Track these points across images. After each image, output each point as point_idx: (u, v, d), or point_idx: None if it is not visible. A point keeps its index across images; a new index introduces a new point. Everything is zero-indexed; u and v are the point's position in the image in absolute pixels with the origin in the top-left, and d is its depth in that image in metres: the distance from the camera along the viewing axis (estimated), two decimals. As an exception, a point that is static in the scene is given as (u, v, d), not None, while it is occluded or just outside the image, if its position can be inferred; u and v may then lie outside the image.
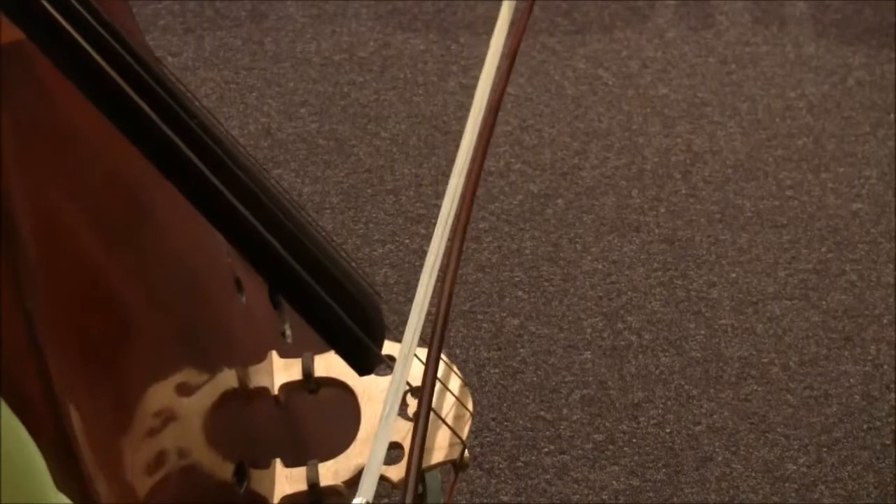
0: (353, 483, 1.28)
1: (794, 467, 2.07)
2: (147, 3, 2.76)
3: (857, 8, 2.76)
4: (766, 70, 2.66)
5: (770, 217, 2.40)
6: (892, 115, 2.56)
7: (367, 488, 0.98)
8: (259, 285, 1.38)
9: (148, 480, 1.02)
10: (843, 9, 2.76)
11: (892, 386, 2.16)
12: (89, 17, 0.92)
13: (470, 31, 2.72)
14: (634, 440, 2.10)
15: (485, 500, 2.03)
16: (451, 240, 1.19)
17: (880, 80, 2.63)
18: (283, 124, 2.55)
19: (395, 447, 1.31)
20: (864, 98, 2.60)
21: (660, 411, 2.13)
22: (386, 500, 1.57)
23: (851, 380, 2.17)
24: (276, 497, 1.27)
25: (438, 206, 2.40)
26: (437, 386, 1.22)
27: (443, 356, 1.24)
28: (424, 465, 1.25)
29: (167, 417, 1.08)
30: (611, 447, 2.09)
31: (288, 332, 1.43)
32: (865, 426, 2.12)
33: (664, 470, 2.07)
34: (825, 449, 2.09)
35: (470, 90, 2.55)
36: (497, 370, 2.18)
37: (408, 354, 1.07)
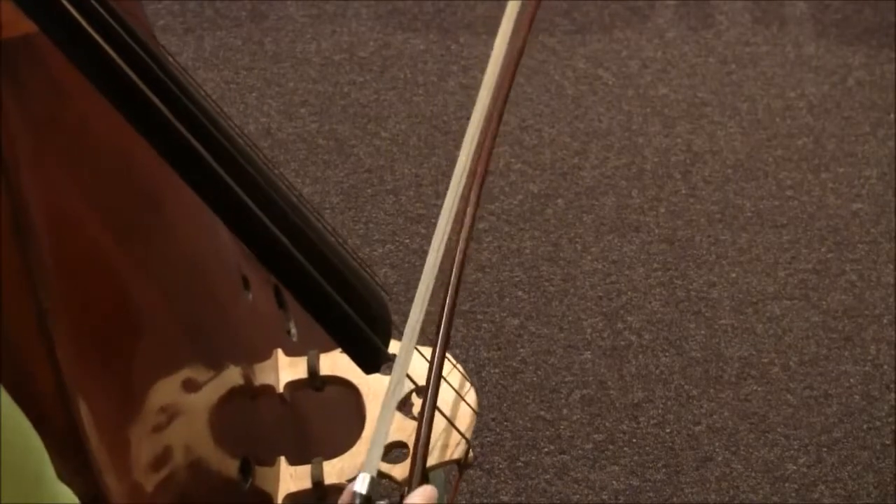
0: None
1: (794, 467, 2.07)
2: (147, 3, 2.75)
3: (857, 8, 2.76)
4: (766, 70, 2.66)
5: (770, 217, 2.40)
6: (892, 115, 2.57)
7: (371, 463, 0.99)
8: (265, 283, 1.38)
9: (155, 475, 1.02)
10: (843, 9, 2.76)
11: (892, 386, 2.16)
12: (102, 12, 0.92)
13: (470, 31, 2.72)
14: (634, 440, 2.10)
15: (485, 500, 2.04)
16: (454, 238, 1.19)
17: (880, 80, 2.63)
18: (283, 124, 2.55)
19: (399, 446, 1.31)
20: (864, 98, 2.60)
21: (660, 411, 2.13)
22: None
23: (851, 380, 2.18)
24: (281, 494, 1.27)
25: (438, 207, 2.40)
26: (442, 384, 1.22)
27: (448, 356, 1.24)
28: (429, 464, 1.25)
29: (174, 413, 1.08)
30: (611, 447, 2.09)
31: (293, 331, 1.44)
32: (865, 426, 2.12)
33: (664, 470, 2.07)
34: (825, 449, 2.09)
35: (470, 90, 2.55)
36: (497, 370, 2.18)
37: (415, 325, 1.07)
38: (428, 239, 2.34)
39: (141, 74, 0.95)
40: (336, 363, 1.34)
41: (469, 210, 1.20)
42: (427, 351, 1.19)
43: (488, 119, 1.21)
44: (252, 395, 1.28)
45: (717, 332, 2.24)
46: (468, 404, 1.35)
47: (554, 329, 2.24)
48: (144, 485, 1.00)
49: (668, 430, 2.11)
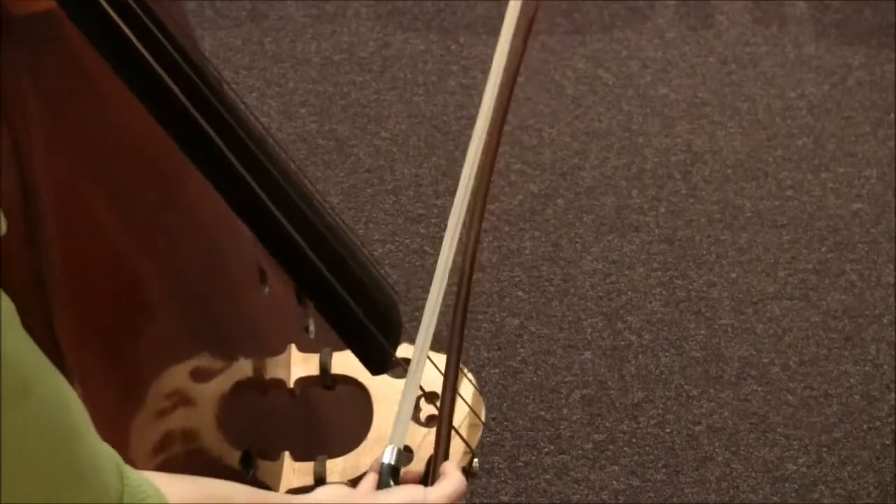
0: (357, 483, 1.28)
1: (794, 467, 2.07)
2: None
3: (857, 8, 2.76)
4: (766, 70, 2.66)
5: (770, 217, 2.40)
6: (892, 115, 2.57)
7: (398, 436, 1.06)
8: (285, 279, 1.38)
9: (153, 459, 1.02)
10: (843, 9, 2.76)
11: (892, 386, 2.16)
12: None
13: (470, 31, 2.72)
14: (634, 440, 2.10)
15: (485, 500, 2.04)
16: (464, 240, 1.19)
17: (880, 80, 2.63)
18: (283, 124, 2.55)
19: (405, 451, 1.31)
20: (864, 98, 2.60)
21: (660, 411, 2.13)
22: None
23: (851, 380, 2.18)
24: (282, 489, 1.28)
25: (438, 206, 2.40)
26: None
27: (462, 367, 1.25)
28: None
29: (178, 400, 1.08)
30: (611, 447, 2.09)
31: (311, 328, 1.43)
32: (865, 426, 2.12)
33: (664, 470, 2.07)
34: (825, 449, 2.09)
35: (470, 90, 2.55)
36: (497, 370, 2.18)
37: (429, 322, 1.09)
38: (428, 239, 2.35)
39: (161, 60, 0.94)
40: (348, 363, 1.34)
41: (474, 229, 1.20)
42: (438, 358, 1.20)
43: (494, 123, 1.21)
44: (262, 388, 1.28)
45: (717, 332, 2.23)
46: (478, 416, 1.36)
47: (554, 329, 2.24)
48: (141, 468, 0.99)
49: (668, 430, 2.11)
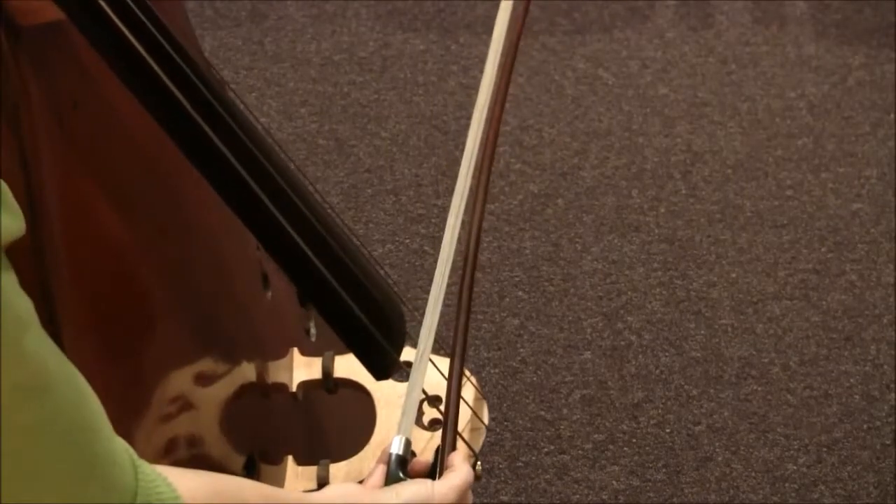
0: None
1: (794, 467, 2.07)
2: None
3: (857, 8, 2.76)
4: (766, 70, 2.66)
5: (770, 217, 2.40)
6: (892, 115, 2.57)
7: (406, 426, 1.07)
8: (287, 282, 1.38)
9: (157, 464, 1.02)
10: (843, 9, 2.76)
11: (892, 386, 2.16)
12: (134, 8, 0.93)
13: (470, 31, 2.72)
14: (634, 440, 2.10)
15: (485, 500, 2.04)
16: (464, 239, 1.19)
17: (880, 80, 2.63)
18: (283, 124, 2.55)
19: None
20: (864, 98, 2.60)
21: (660, 411, 2.13)
22: None
23: (851, 380, 2.18)
24: None
25: (438, 206, 2.40)
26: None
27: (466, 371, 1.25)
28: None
29: (181, 404, 1.08)
30: (611, 447, 2.09)
31: (313, 331, 1.44)
32: (865, 426, 2.12)
33: (664, 470, 2.07)
34: (825, 449, 2.09)
35: (470, 90, 2.55)
36: (497, 370, 2.18)
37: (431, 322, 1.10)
38: (428, 239, 2.35)
39: (165, 67, 0.95)
40: (351, 366, 1.34)
41: (474, 231, 1.20)
42: (440, 362, 1.20)
43: (489, 120, 1.21)
44: (264, 392, 1.28)
45: (717, 332, 2.24)
46: (481, 420, 1.36)
47: (554, 329, 2.24)
48: None
49: (668, 430, 2.11)
